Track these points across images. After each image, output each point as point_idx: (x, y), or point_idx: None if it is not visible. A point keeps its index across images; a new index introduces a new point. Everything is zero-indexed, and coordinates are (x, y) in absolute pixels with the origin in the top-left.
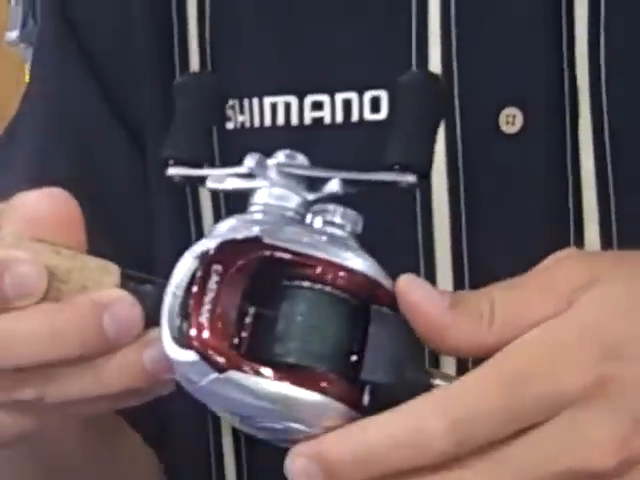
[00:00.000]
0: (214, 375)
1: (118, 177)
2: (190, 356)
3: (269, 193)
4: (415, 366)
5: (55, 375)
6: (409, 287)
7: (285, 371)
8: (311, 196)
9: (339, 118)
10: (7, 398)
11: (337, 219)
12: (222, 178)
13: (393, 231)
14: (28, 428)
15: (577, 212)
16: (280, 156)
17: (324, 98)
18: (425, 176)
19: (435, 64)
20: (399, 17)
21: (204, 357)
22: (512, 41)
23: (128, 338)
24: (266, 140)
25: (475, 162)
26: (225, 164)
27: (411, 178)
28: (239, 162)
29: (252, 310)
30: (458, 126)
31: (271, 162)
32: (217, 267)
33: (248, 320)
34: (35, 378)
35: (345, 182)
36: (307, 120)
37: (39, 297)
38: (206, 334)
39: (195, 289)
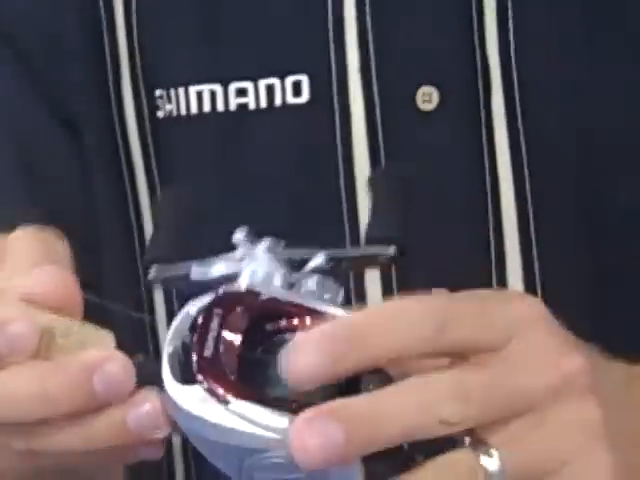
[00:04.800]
0: (221, 407)
1: (58, 173)
2: (195, 391)
3: (254, 272)
4: None
5: (44, 430)
6: None
7: (286, 407)
8: (294, 277)
9: (263, 103)
10: None
11: (317, 288)
12: (206, 269)
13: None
14: (20, 467)
15: (493, 179)
16: (265, 241)
17: (247, 85)
18: (403, 253)
19: (352, 46)
20: (315, 2)
21: (209, 390)
22: (425, 23)
23: (118, 397)
24: (195, 127)
25: (395, 139)
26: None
27: (392, 250)
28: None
29: (248, 355)
30: (377, 107)
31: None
32: (218, 310)
33: (244, 365)
34: (25, 431)
35: (328, 259)
36: (232, 106)
37: (31, 353)
38: (211, 368)
39: (198, 328)
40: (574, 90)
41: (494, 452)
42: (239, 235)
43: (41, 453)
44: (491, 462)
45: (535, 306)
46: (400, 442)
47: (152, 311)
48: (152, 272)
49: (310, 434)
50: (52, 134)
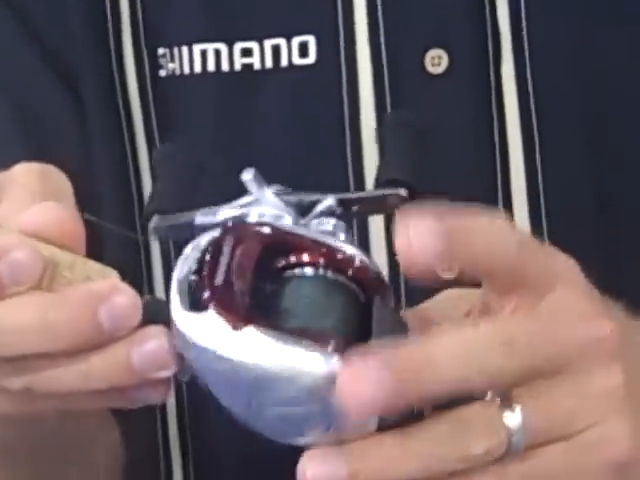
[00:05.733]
0: (232, 333)
1: (55, 127)
2: (206, 318)
3: (262, 214)
4: None
5: (43, 366)
6: None
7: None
8: (302, 221)
9: (269, 64)
10: None
11: (329, 227)
12: (212, 212)
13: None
14: (15, 412)
15: (502, 143)
16: (273, 187)
17: (253, 45)
18: (412, 195)
19: (360, 7)
20: None
21: (221, 317)
22: None
23: (124, 333)
24: (198, 86)
25: (403, 102)
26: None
27: (402, 191)
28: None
29: (258, 286)
30: (385, 68)
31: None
32: (229, 239)
33: (254, 295)
34: (23, 368)
35: (338, 202)
36: (237, 66)
37: (34, 283)
38: (222, 296)
39: (210, 256)
40: (584, 52)
41: (517, 407)
42: (247, 175)
43: (38, 395)
44: (513, 417)
45: (571, 262)
46: (443, 397)
47: (149, 272)
48: (154, 221)
49: (362, 381)
50: (50, 88)
